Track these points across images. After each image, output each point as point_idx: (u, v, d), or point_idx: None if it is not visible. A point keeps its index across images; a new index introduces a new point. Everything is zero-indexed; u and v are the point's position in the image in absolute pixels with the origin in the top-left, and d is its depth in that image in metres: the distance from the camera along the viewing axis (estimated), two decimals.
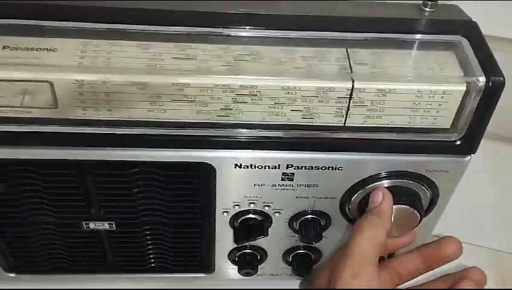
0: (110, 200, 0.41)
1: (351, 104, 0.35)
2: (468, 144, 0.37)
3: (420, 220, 0.40)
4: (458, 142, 0.37)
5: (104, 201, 0.41)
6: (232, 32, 0.36)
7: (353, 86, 0.34)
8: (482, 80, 0.34)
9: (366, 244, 0.36)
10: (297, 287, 0.52)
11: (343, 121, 0.36)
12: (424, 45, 0.37)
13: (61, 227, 0.44)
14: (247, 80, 0.34)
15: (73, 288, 0.49)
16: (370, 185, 0.40)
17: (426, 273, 0.43)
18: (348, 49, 0.36)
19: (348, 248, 0.36)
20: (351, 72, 0.35)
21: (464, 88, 0.35)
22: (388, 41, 0.37)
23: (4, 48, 0.34)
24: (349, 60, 0.36)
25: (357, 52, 0.36)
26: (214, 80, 0.34)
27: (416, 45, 0.37)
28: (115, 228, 0.44)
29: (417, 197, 0.40)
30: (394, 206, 0.39)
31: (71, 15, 0.35)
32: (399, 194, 0.39)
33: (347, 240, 0.38)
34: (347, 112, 0.36)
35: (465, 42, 0.36)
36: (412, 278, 0.43)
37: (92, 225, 0.43)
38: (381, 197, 0.39)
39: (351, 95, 0.35)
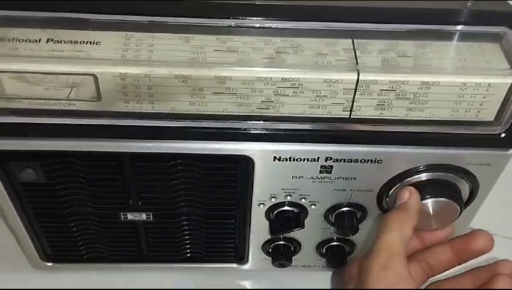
0: (149, 191, 0.42)
1: (394, 97, 0.35)
2: None
3: (460, 213, 0.40)
4: (502, 135, 0.37)
5: (142, 192, 0.42)
6: (273, 24, 0.36)
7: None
8: None
9: (394, 238, 0.37)
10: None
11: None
12: (468, 37, 0.36)
13: (100, 217, 0.44)
14: (289, 72, 0.34)
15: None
16: (409, 178, 0.39)
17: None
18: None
19: (376, 243, 0.37)
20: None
21: (510, 81, 0.34)
22: (431, 33, 0.36)
23: (48, 40, 0.34)
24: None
25: (400, 44, 0.36)
26: (255, 73, 0.34)
27: (460, 37, 0.36)
28: (152, 219, 0.44)
29: (457, 190, 0.40)
30: (434, 199, 0.39)
31: (113, 8, 0.35)
32: (439, 187, 0.39)
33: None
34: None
35: (510, 33, 0.36)
36: (444, 271, 0.43)
37: (129, 216, 0.44)
38: (407, 194, 0.39)
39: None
